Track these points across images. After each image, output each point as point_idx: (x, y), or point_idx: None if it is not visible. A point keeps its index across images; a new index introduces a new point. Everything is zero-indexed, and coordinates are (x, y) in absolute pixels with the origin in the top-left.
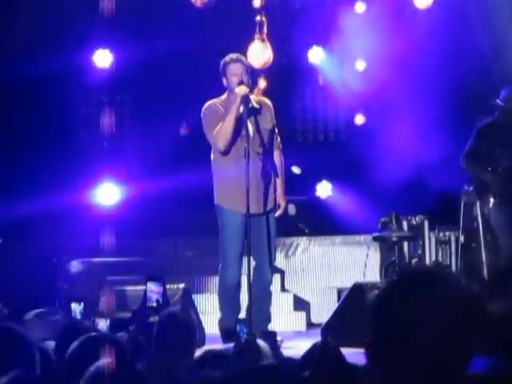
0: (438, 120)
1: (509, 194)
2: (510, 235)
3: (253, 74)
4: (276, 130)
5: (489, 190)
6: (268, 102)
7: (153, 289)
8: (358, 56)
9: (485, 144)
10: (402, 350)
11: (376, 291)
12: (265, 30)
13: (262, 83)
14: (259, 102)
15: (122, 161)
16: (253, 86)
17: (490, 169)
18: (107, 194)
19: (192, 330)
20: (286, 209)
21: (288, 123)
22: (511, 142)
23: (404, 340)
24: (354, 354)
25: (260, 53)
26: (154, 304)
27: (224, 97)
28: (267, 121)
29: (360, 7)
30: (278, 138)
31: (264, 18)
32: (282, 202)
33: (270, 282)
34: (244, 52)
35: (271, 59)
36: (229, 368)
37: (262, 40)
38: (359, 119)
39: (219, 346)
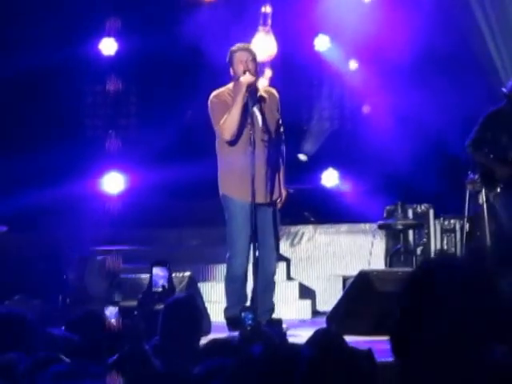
0: (444, 106)
1: None
2: None
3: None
4: (280, 121)
5: (494, 177)
6: (274, 91)
7: (158, 274)
8: (363, 44)
9: (491, 132)
10: (428, 338)
11: (383, 277)
12: (269, 21)
13: (268, 72)
14: (265, 92)
15: (127, 150)
16: (259, 75)
17: (492, 156)
18: (112, 183)
19: (198, 317)
20: (287, 199)
21: (293, 112)
22: None
23: (430, 327)
24: (359, 342)
25: (264, 45)
26: (160, 289)
27: (231, 85)
28: (272, 110)
29: None
30: (282, 128)
31: (268, 9)
32: (283, 192)
33: (275, 272)
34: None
35: (275, 51)
36: (234, 356)
37: (266, 32)
38: (367, 108)
39: (225, 334)
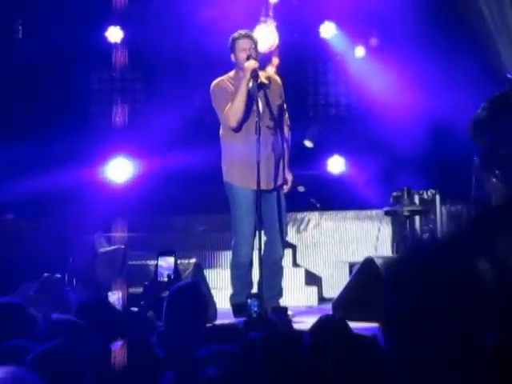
0: (451, 95)
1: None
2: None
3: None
4: (285, 106)
5: (493, 164)
6: (277, 77)
7: (164, 264)
8: (370, 33)
9: (494, 116)
10: (417, 325)
11: (386, 266)
12: (271, 13)
13: (275, 60)
14: (268, 78)
15: (134, 137)
16: (265, 62)
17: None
18: (119, 169)
19: (202, 303)
20: (293, 183)
21: (300, 98)
22: None
23: (419, 315)
24: (365, 328)
25: (265, 36)
26: (166, 279)
27: (232, 73)
28: (276, 96)
29: None
30: (287, 114)
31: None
32: (288, 176)
33: (282, 258)
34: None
35: (277, 41)
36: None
37: (268, 23)
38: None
39: (230, 321)
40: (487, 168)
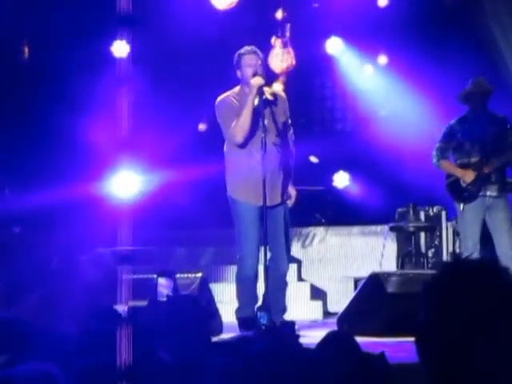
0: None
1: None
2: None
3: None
4: (289, 122)
5: (460, 185)
6: (282, 94)
7: (163, 284)
8: (379, 50)
9: (455, 140)
10: (453, 339)
11: (394, 279)
12: (287, 33)
13: (283, 76)
14: (273, 94)
15: (140, 150)
16: (271, 77)
17: (458, 162)
18: (125, 183)
19: (200, 315)
20: (297, 198)
21: (306, 113)
22: (479, 135)
23: (454, 330)
24: (369, 343)
25: (282, 58)
26: (165, 299)
27: (237, 89)
28: (281, 112)
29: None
30: (291, 130)
31: (283, 16)
32: (292, 192)
33: (286, 273)
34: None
35: (293, 63)
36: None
37: (284, 44)
38: (384, 114)
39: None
40: None
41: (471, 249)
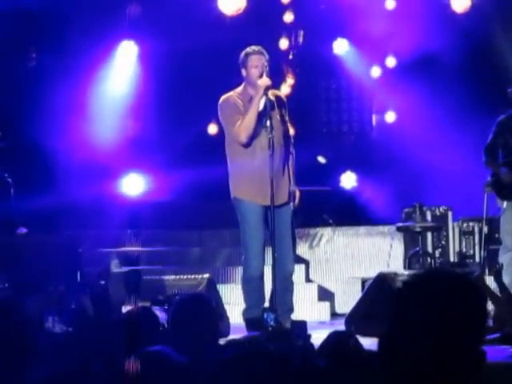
0: (462, 110)
1: None
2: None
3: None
4: (288, 123)
5: (503, 184)
6: (282, 95)
7: (157, 311)
8: (387, 52)
9: (503, 138)
10: (414, 347)
11: (400, 282)
12: (300, 38)
13: (291, 80)
14: (274, 95)
15: (147, 152)
16: (277, 79)
17: (503, 161)
18: (133, 184)
19: (207, 315)
20: (301, 199)
21: (313, 114)
22: None
23: (416, 337)
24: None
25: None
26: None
27: (240, 89)
28: (283, 113)
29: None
30: (291, 130)
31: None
32: (296, 191)
33: (292, 273)
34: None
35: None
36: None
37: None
38: (390, 116)
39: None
40: None
41: (510, 246)
